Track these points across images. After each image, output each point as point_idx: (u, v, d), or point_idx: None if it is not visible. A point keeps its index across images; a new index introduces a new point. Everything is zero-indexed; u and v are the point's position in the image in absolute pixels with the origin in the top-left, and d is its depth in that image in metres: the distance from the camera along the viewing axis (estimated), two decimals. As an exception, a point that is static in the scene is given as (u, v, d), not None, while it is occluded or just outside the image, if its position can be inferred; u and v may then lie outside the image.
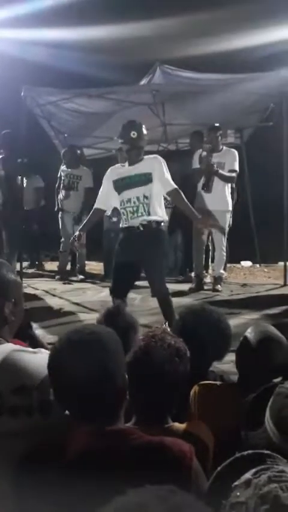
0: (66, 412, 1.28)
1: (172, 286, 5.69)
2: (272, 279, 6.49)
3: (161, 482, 0.81)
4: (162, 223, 3.90)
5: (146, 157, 3.89)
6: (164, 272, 4.07)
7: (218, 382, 1.88)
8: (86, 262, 7.33)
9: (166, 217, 4.07)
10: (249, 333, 1.85)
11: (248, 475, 0.81)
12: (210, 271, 6.48)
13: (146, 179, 3.78)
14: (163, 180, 3.80)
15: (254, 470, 0.82)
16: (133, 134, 3.77)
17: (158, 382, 1.46)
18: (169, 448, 1.20)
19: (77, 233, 3.95)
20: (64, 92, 5.99)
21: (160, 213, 3.85)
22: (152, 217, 3.78)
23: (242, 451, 1.01)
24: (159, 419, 1.47)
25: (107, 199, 3.94)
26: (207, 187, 5.57)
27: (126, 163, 3.90)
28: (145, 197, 3.77)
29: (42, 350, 1.47)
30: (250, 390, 1.60)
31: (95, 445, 1.17)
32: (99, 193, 4.00)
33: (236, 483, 0.81)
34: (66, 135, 6.77)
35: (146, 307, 4.70)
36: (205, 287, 5.82)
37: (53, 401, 1.27)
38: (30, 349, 1.44)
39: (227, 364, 2.26)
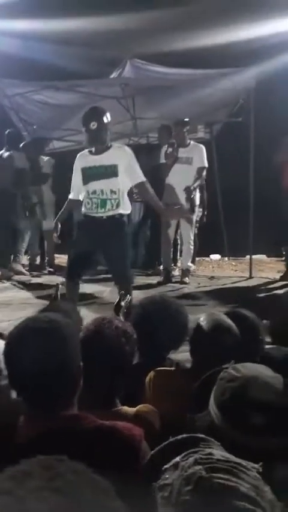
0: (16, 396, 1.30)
1: (141, 280, 5.80)
2: (238, 272, 6.63)
3: (111, 464, 0.84)
4: (125, 217, 3.85)
5: (114, 145, 3.78)
6: (130, 260, 4.02)
7: (173, 368, 1.95)
8: (56, 255, 7.31)
9: (130, 210, 4.00)
10: (201, 320, 1.91)
11: (177, 458, 0.84)
12: (178, 264, 6.56)
13: (111, 172, 3.69)
14: (130, 172, 3.72)
15: (184, 453, 0.85)
16: (93, 125, 3.60)
17: (104, 361, 1.51)
18: (120, 431, 1.25)
19: (53, 224, 3.93)
20: (32, 84, 5.94)
21: (127, 208, 3.83)
22: (119, 211, 3.75)
23: (187, 433, 1.03)
24: (107, 402, 1.52)
25: (79, 187, 3.86)
26: (192, 209, 5.62)
27: (93, 150, 3.77)
28: (112, 192, 3.70)
29: None
30: (202, 376, 1.66)
31: (47, 429, 1.19)
32: (72, 183, 3.92)
33: (166, 466, 0.84)
34: (35, 126, 6.71)
35: (115, 300, 4.72)
36: (173, 280, 5.90)
37: (2, 386, 1.30)
38: None
39: (185, 353, 2.33)
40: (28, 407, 1.26)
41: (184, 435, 0.96)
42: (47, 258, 6.99)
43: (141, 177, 3.76)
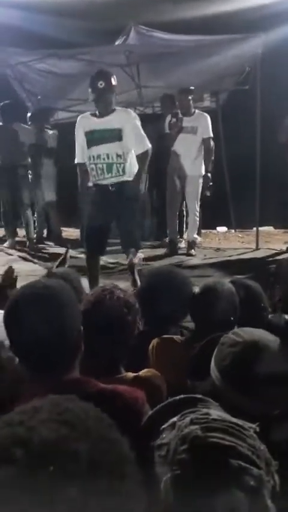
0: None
1: (147, 252, 5.80)
2: (245, 244, 6.60)
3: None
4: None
5: (117, 109, 3.77)
6: (139, 226, 4.08)
7: (175, 336, 1.96)
8: (63, 228, 7.32)
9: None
10: (197, 288, 1.97)
11: (174, 418, 0.85)
12: (184, 236, 6.53)
13: (115, 135, 3.67)
14: (137, 138, 3.70)
15: (181, 413, 0.86)
16: (100, 84, 3.61)
17: (106, 331, 1.52)
18: (122, 394, 1.26)
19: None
20: (35, 53, 5.81)
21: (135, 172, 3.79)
22: (129, 177, 3.74)
23: None
24: (111, 370, 1.53)
25: (83, 150, 3.85)
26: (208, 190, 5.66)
27: (97, 112, 3.76)
28: (118, 156, 3.69)
29: None
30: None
31: (48, 393, 1.20)
32: (76, 146, 3.90)
33: (163, 426, 0.85)
34: (39, 97, 6.60)
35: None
36: (180, 252, 5.89)
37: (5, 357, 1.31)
38: None
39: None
40: (30, 373, 1.27)
41: (182, 396, 0.96)
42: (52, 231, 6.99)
43: (146, 145, 3.74)
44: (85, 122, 3.80)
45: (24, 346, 1.25)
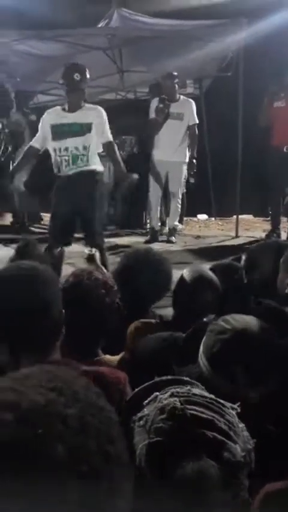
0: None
1: (128, 239, 5.80)
2: (225, 231, 6.63)
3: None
4: (100, 174, 3.91)
5: (87, 105, 3.84)
6: (101, 221, 4.07)
7: (154, 320, 1.95)
8: (43, 214, 7.21)
9: (102, 169, 4.05)
10: (185, 272, 1.92)
11: (157, 393, 0.86)
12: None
13: (85, 129, 3.74)
14: (102, 131, 3.77)
15: (164, 389, 0.86)
16: (76, 76, 3.69)
17: (84, 313, 1.51)
18: (104, 375, 1.27)
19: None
20: (15, 33, 5.64)
21: (98, 164, 3.87)
22: (91, 167, 3.79)
23: None
24: (88, 352, 1.52)
25: (44, 140, 3.87)
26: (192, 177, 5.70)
27: (66, 107, 3.82)
28: (84, 147, 3.75)
29: None
30: (183, 328, 1.66)
31: None
32: (38, 134, 3.93)
33: (146, 401, 0.86)
34: (18, 79, 6.43)
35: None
36: (161, 239, 5.88)
37: None
38: None
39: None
40: (11, 355, 1.24)
41: (169, 376, 0.96)
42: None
43: (109, 137, 3.82)
44: (53, 115, 3.84)
45: (5, 327, 1.23)
